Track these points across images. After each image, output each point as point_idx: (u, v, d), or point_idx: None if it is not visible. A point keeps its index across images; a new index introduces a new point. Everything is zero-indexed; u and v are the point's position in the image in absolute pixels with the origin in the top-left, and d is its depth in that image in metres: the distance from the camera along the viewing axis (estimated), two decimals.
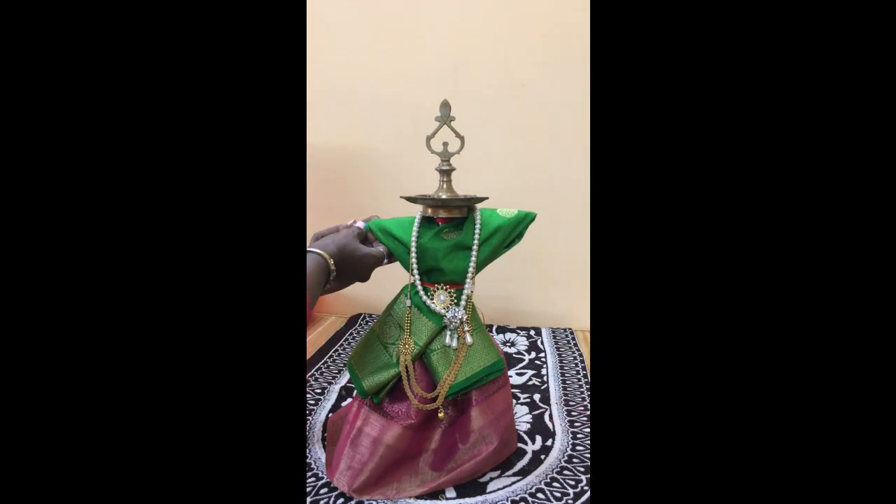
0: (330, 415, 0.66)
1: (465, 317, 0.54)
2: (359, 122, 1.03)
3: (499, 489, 0.54)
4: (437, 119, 0.55)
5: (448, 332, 0.54)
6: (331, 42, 1.00)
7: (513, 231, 0.56)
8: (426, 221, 0.56)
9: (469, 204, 0.55)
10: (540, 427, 0.66)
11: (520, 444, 0.62)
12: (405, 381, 0.53)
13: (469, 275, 0.54)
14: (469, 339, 0.55)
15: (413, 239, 0.55)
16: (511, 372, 0.82)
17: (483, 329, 0.57)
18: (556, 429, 0.66)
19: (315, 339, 0.98)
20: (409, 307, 0.56)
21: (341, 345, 0.94)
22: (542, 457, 0.60)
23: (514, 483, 0.55)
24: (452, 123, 0.55)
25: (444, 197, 0.53)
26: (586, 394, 0.75)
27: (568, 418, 0.69)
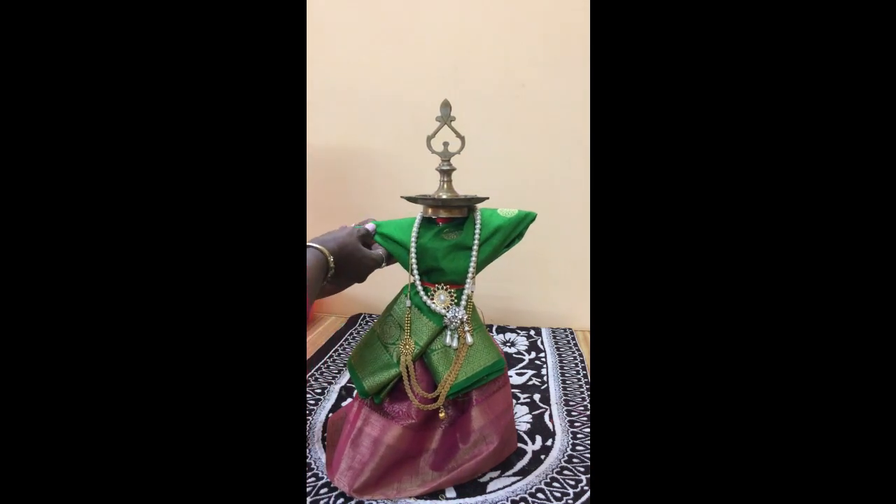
0: (330, 415, 0.66)
1: (465, 317, 0.54)
2: (359, 122, 1.03)
3: (499, 489, 0.54)
4: (437, 119, 0.55)
5: (448, 332, 0.54)
6: (331, 42, 1.00)
7: (513, 231, 0.56)
8: (426, 222, 0.56)
9: (469, 204, 0.55)
10: (540, 427, 0.66)
11: (520, 444, 0.62)
12: (406, 382, 0.53)
13: (469, 274, 0.54)
14: (469, 338, 0.55)
15: (413, 239, 0.55)
16: (511, 372, 0.82)
17: (483, 329, 0.57)
18: (556, 429, 0.66)
19: (315, 339, 0.98)
20: (410, 307, 0.56)
21: (341, 345, 0.94)
22: (542, 457, 0.60)
23: (514, 483, 0.55)
24: (453, 123, 0.55)
25: (444, 197, 0.53)
26: (586, 394, 0.75)
27: (568, 418, 0.69)
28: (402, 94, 1.00)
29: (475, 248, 0.54)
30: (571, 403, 0.73)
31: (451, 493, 0.54)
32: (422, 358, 0.55)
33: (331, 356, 0.89)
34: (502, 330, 1.02)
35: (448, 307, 0.54)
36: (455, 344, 0.54)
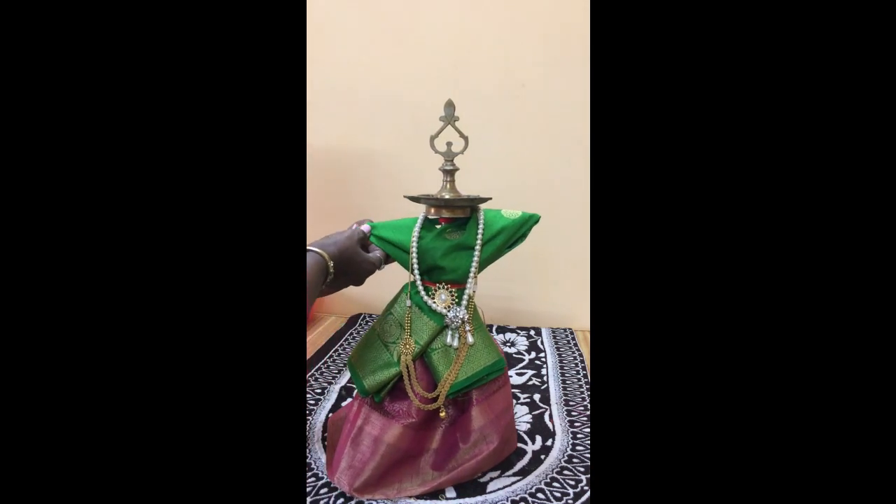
0: (330, 415, 0.66)
1: (466, 316, 0.54)
2: (359, 122, 1.03)
3: (499, 489, 0.54)
4: (441, 119, 0.55)
5: (449, 332, 0.54)
6: (331, 42, 1.00)
7: (517, 232, 0.56)
8: (426, 222, 0.56)
9: (472, 204, 0.55)
10: (540, 427, 0.66)
11: (520, 444, 0.62)
12: (406, 381, 0.53)
13: (471, 274, 0.54)
14: (471, 338, 0.55)
15: (414, 240, 0.55)
16: (511, 372, 0.82)
17: (484, 328, 0.57)
18: (556, 429, 0.66)
19: (315, 339, 0.98)
20: (410, 307, 0.56)
21: (341, 345, 0.94)
22: (542, 457, 0.60)
23: (514, 483, 0.55)
24: (456, 123, 0.55)
25: (447, 197, 0.53)
26: (586, 394, 0.75)
27: (568, 418, 0.69)
28: (402, 94, 1.00)
29: (477, 247, 0.54)
30: (571, 403, 0.73)
31: (451, 492, 0.54)
32: (422, 357, 0.55)
33: (331, 356, 0.89)
34: (502, 330, 1.02)
35: (449, 307, 0.54)
36: (456, 343, 0.54)
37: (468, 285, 0.54)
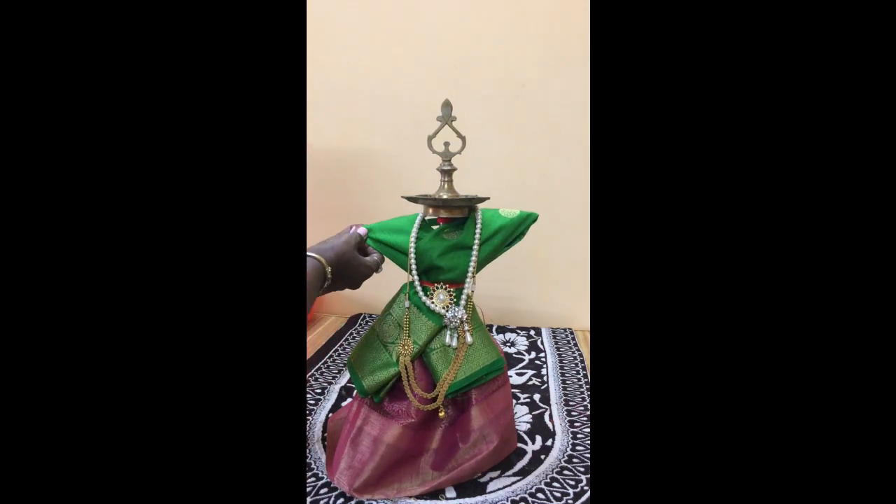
0: (330, 415, 0.66)
1: (465, 316, 0.54)
2: (359, 122, 1.03)
3: (499, 489, 0.54)
4: (438, 119, 0.55)
5: (448, 332, 0.54)
6: (331, 42, 1.00)
7: (515, 231, 0.56)
8: (424, 222, 0.56)
9: (470, 204, 0.55)
10: (540, 427, 0.66)
11: (520, 444, 0.62)
12: (405, 382, 0.53)
13: (469, 273, 0.54)
14: (469, 338, 0.55)
15: (412, 241, 0.55)
16: (511, 372, 0.82)
17: (483, 328, 0.57)
18: (556, 429, 0.66)
19: (315, 339, 0.98)
20: (409, 307, 0.56)
21: (341, 345, 0.94)
22: (542, 457, 0.60)
23: (514, 483, 0.55)
24: (454, 123, 0.55)
25: (445, 197, 0.53)
26: (586, 394, 0.75)
27: (568, 418, 0.69)
28: (402, 94, 1.00)
29: (475, 247, 0.54)
30: (571, 403, 0.73)
31: (451, 492, 0.54)
32: (421, 357, 0.55)
33: (331, 356, 0.89)
34: (502, 330, 1.02)
35: (447, 306, 0.54)
36: (455, 343, 0.54)
37: (466, 285, 0.54)
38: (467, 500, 0.52)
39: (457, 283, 0.55)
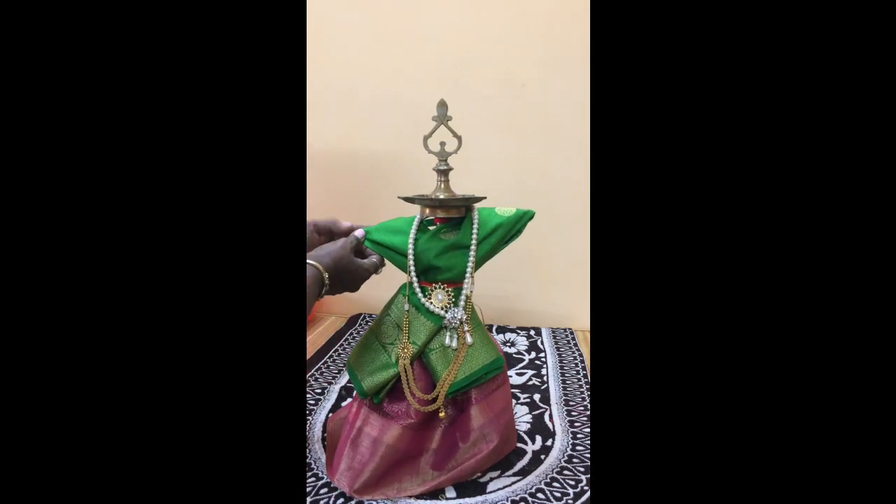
0: (330, 415, 0.66)
1: (464, 317, 0.54)
2: (359, 122, 1.03)
3: (499, 489, 0.54)
4: (434, 119, 0.55)
5: (448, 333, 0.54)
6: (331, 42, 1.00)
7: (512, 229, 0.56)
8: (422, 224, 0.56)
9: (467, 204, 0.55)
10: (540, 427, 0.66)
11: (520, 444, 0.62)
12: (405, 384, 0.53)
13: (468, 273, 0.54)
14: (469, 338, 0.55)
15: (410, 242, 0.55)
16: (511, 372, 0.82)
17: (482, 328, 0.57)
18: (556, 429, 0.66)
19: (315, 339, 0.98)
20: (407, 310, 0.55)
21: (341, 345, 0.94)
22: (542, 457, 0.60)
23: (514, 483, 0.55)
24: (450, 123, 0.55)
25: (441, 197, 0.53)
26: (586, 394, 0.75)
27: (568, 418, 0.69)
28: (402, 94, 1.00)
29: (473, 246, 0.53)
30: (571, 403, 0.73)
31: (451, 492, 0.54)
32: (420, 357, 0.55)
33: (331, 356, 0.89)
34: (502, 330, 1.02)
35: (446, 307, 0.54)
36: (455, 344, 0.54)
37: (465, 285, 0.54)
38: (467, 500, 0.52)
39: (455, 283, 0.55)
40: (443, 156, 0.55)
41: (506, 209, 0.56)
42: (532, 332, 1.00)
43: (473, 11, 0.95)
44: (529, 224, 0.57)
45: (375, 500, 0.52)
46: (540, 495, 0.53)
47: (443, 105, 0.54)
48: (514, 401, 0.71)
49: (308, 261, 0.52)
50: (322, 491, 0.53)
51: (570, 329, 1.03)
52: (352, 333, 0.99)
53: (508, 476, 0.56)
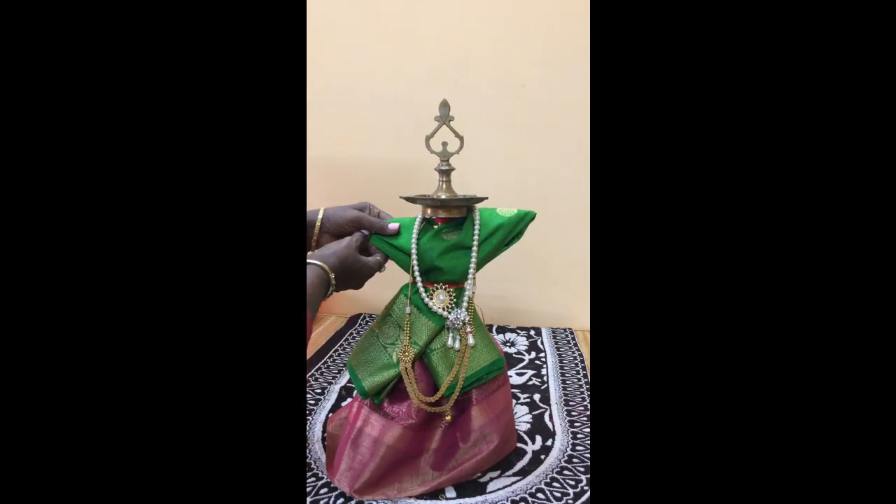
0: (330, 415, 0.66)
1: (467, 318, 0.54)
2: (359, 122, 1.03)
3: (499, 489, 0.54)
4: (436, 119, 0.55)
5: (450, 334, 0.54)
6: (331, 42, 1.00)
7: (513, 230, 0.56)
8: (424, 222, 0.56)
9: (468, 204, 0.55)
10: (540, 427, 0.66)
11: (520, 444, 0.62)
12: (409, 386, 0.53)
13: (470, 274, 0.54)
14: (471, 339, 0.55)
15: (413, 241, 0.55)
16: (511, 372, 0.82)
17: (483, 328, 0.57)
18: (556, 429, 0.66)
19: (315, 339, 0.98)
20: (409, 311, 0.55)
21: (341, 345, 0.94)
22: (542, 457, 0.60)
23: (514, 483, 0.55)
24: (452, 123, 0.55)
25: (443, 197, 0.53)
26: (586, 394, 0.75)
27: (568, 418, 0.69)
28: (401, 94, 1.00)
29: (475, 247, 0.53)
30: (571, 403, 0.73)
31: (451, 492, 0.54)
32: (421, 358, 0.55)
33: (331, 356, 0.89)
34: (502, 330, 1.02)
35: (447, 307, 0.54)
36: (457, 346, 0.54)
37: (467, 286, 0.54)
38: (467, 500, 0.52)
39: (456, 284, 0.55)
40: (445, 156, 0.55)
41: (507, 210, 0.56)
42: (532, 332, 1.00)
43: (473, 11, 0.95)
44: (530, 224, 0.57)
45: (376, 501, 0.52)
46: (540, 495, 0.53)
47: (445, 105, 0.54)
48: (514, 401, 0.71)
49: (314, 261, 0.52)
50: (322, 491, 0.53)
51: (570, 329, 1.03)
52: (352, 333, 0.99)
53: (508, 476, 0.56)
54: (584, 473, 0.57)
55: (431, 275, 0.55)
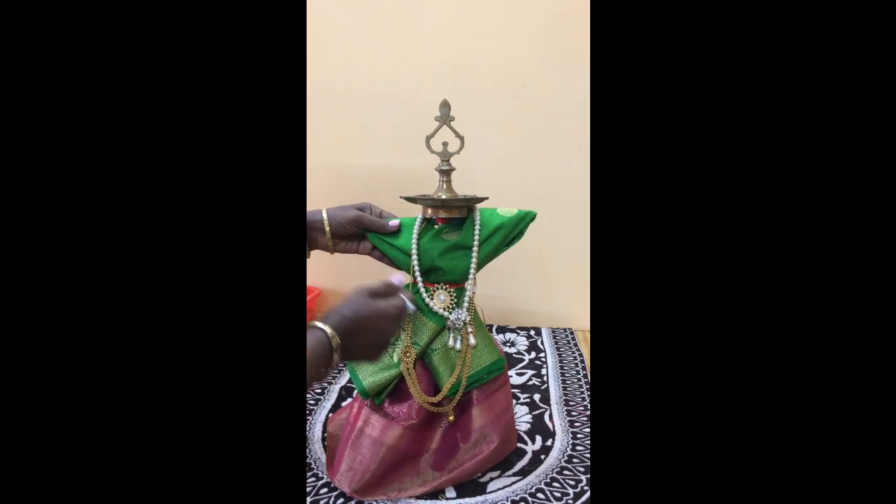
0: (330, 415, 0.66)
1: (468, 318, 0.54)
2: (358, 123, 1.03)
3: (499, 489, 0.54)
4: (436, 119, 0.55)
5: (451, 334, 0.54)
6: (331, 42, 1.00)
7: (513, 230, 0.56)
8: (424, 222, 0.56)
9: (469, 204, 0.55)
10: (540, 427, 0.66)
11: (520, 444, 0.62)
12: (411, 386, 0.53)
13: (470, 274, 0.54)
14: (473, 340, 0.55)
15: (414, 241, 0.55)
16: (511, 372, 0.82)
17: (484, 328, 0.57)
18: (556, 429, 0.66)
19: None
20: (410, 313, 0.55)
21: None
22: (542, 457, 0.60)
23: (514, 483, 0.55)
24: (452, 123, 0.55)
25: (443, 197, 0.53)
26: (586, 394, 0.75)
27: (568, 418, 0.69)
28: (401, 94, 1.00)
29: (475, 247, 0.53)
30: (571, 403, 0.73)
31: (451, 492, 0.54)
32: (422, 358, 0.55)
33: None
34: (502, 330, 1.02)
35: (448, 307, 0.54)
36: (459, 346, 0.54)
37: (468, 287, 0.54)
38: (467, 500, 0.52)
39: (456, 284, 0.55)
40: (445, 156, 0.55)
41: (507, 210, 0.56)
42: (532, 332, 1.00)
43: (473, 11, 0.95)
44: (530, 224, 0.57)
45: (376, 501, 0.52)
46: (540, 495, 0.53)
47: (445, 105, 0.54)
48: (514, 401, 0.71)
49: (315, 323, 0.43)
50: (322, 491, 0.53)
51: (570, 329, 1.03)
52: None
53: (508, 476, 0.56)
54: (584, 473, 0.57)
55: (432, 275, 0.55)
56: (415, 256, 0.54)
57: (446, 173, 0.55)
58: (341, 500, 0.52)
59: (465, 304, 0.54)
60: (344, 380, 0.79)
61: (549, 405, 0.72)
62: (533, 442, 0.63)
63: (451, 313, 0.54)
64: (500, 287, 1.05)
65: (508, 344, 0.95)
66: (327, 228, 0.54)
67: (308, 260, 0.53)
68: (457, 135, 0.55)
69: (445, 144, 0.55)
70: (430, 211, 0.55)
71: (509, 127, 0.99)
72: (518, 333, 1.00)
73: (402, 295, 0.46)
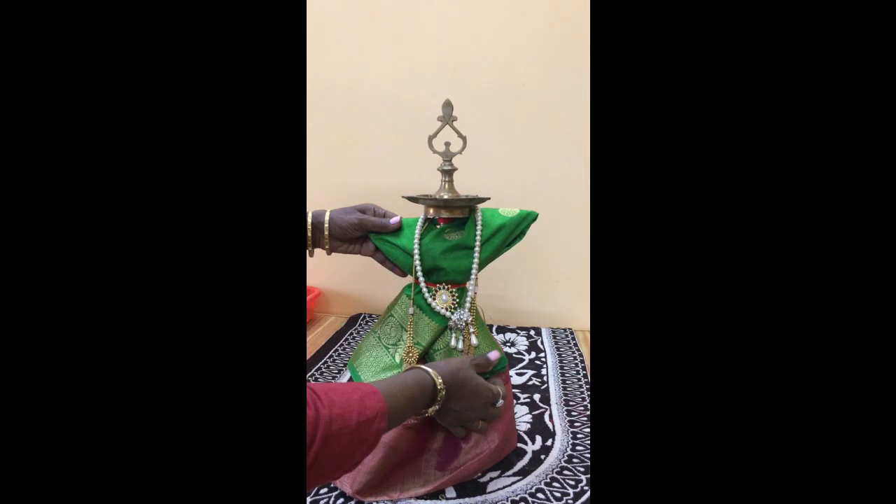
0: None
1: (470, 318, 0.54)
2: (358, 123, 1.03)
3: (499, 489, 0.54)
4: (439, 119, 0.55)
5: (453, 335, 0.54)
6: (331, 42, 1.00)
7: (515, 230, 0.56)
8: (426, 222, 0.56)
9: (471, 204, 0.55)
10: (540, 427, 0.66)
11: (520, 444, 0.62)
12: None
13: (472, 274, 0.54)
14: (475, 340, 0.55)
15: (416, 240, 0.55)
16: (511, 372, 0.82)
17: (485, 328, 0.58)
18: (556, 429, 0.66)
19: (315, 339, 0.98)
20: (412, 312, 0.55)
21: (341, 345, 0.94)
22: (542, 457, 0.60)
23: (514, 483, 0.55)
24: (454, 123, 0.55)
25: (446, 197, 0.53)
26: (586, 394, 0.75)
27: (568, 418, 0.69)
28: (401, 94, 1.00)
29: (477, 248, 0.54)
30: (571, 403, 0.73)
31: (451, 492, 0.54)
32: (423, 358, 0.55)
33: (331, 356, 0.89)
34: (502, 330, 1.02)
35: (450, 307, 0.54)
36: (461, 346, 0.54)
37: (470, 287, 0.54)
38: (467, 500, 0.52)
39: (458, 284, 0.55)
40: (447, 156, 0.55)
41: (509, 210, 0.56)
42: (532, 332, 1.00)
43: (473, 11, 0.95)
44: (531, 224, 0.57)
45: (377, 501, 0.52)
46: (540, 495, 0.53)
47: (448, 105, 0.54)
48: (514, 400, 0.71)
49: (423, 367, 0.47)
50: (322, 491, 0.53)
51: (570, 329, 1.03)
52: (352, 333, 0.99)
53: (508, 476, 0.56)
54: (584, 473, 0.57)
55: (434, 275, 0.55)
56: (417, 256, 0.54)
57: (448, 173, 0.55)
58: (341, 500, 0.52)
59: (468, 305, 0.54)
60: (344, 380, 0.79)
61: (549, 405, 0.72)
62: (533, 442, 0.63)
63: (453, 313, 0.54)
64: (500, 287, 1.05)
65: (508, 344, 0.95)
66: (326, 233, 0.55)
67: (308, 260, 0.53)
68: (459, 135, 0.55)
69: (448, 144, 0.55)
70: (432, 211, 0.55)
71: (509, 127, 0.99)
72: (518, 333, 1.00)
73: (499, 385, 0.51)
